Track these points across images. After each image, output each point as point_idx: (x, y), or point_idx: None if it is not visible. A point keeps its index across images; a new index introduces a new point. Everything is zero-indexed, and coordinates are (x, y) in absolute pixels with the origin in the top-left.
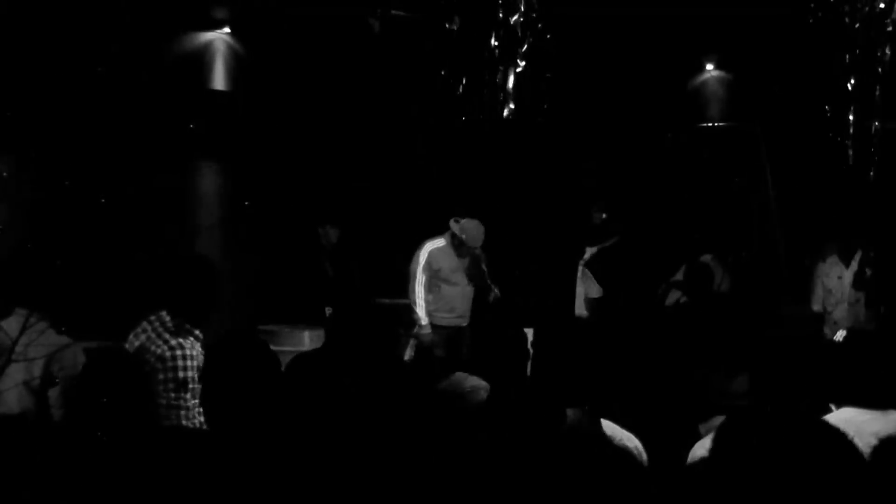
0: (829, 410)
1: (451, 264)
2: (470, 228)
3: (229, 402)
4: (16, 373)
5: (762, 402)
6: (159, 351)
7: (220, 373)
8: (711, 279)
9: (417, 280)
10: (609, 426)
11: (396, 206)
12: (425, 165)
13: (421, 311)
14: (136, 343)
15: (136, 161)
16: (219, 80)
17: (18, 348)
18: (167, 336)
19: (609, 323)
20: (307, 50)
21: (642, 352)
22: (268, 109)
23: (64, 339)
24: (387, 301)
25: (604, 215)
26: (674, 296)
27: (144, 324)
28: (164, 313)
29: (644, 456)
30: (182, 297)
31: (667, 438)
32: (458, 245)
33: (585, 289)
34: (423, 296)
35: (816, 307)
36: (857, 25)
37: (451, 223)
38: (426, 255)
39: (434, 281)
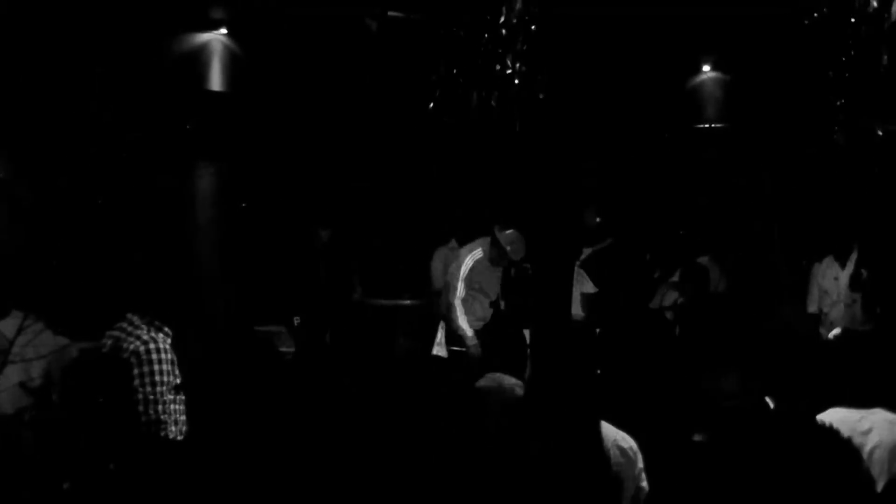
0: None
1: (487, 273)
2: (517, 241)
3: (233, 399)
4: (12, 374)
5: (755, 403)
6: (132, 347)
7: (224, 371)
8: (708, 280)
9: (458, 294)
10: (604, 427)
11: (395, 206)
12: (426, 166)
13: (465, 324)
14: (109, 343)
15: (133, 162)
16: (216, 81)
17: (15, 349)
18: (139, 332)
19: (605, 324)
20: (304, 50)
21: (639, 353)
22: (265, 110)
23: (61, 340)
24: (384, 302)
25: (598, 219)
26: (671, 297)
27: (113, 331)
28: (129, 315)
29: (639, 456)
30: (147, 296)
31: (662, 440)
32: (496, 254)
33: (581, 289)
34: (463, 309)
35: (812, 308)
36: (855, 25)
37: (497, 232)
38: (467, 269)
39: (469, 291)
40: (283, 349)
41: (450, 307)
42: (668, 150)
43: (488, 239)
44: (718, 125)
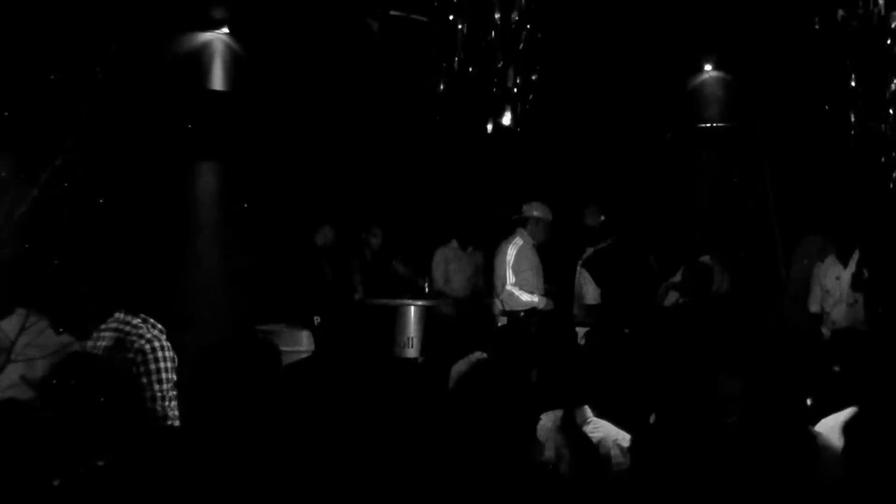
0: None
1: (530, 256)
2: (540, 203)
3: (230, 402)
4: (14, 373)
5: (755, 406)
6: (136, 345)
7: (222, 373)
8: (711, 280)
9: (510, 281)
10: (604, 426)
11: (396, 206)
12: (428, 166)
13: (528, 297)
14: (103, 343)
15: (135, 161)
16: (217, 81)
17: (17, 348)
18: (140, 331)
19: (607, 324)
20: (306, 50)
21: (641, 353)
22: (266, 110)
23: (65, 339)
24: (385, 301)
25: (602, 217)
26: (672, 297)
27: (102, 331)
28: (119, 314)
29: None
30: (146, 295)
31: (660, 442)
32: (533, 227)
33: (583, 291)
34: (519, 287)
35: (814, 308)
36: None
37: (528, 208)
38: (512, 258)
39: (518, 276)
40: (285, 349)
41: (509, 294)
42: (670, 149)
43: (520, 230)
44: (720, 124)
